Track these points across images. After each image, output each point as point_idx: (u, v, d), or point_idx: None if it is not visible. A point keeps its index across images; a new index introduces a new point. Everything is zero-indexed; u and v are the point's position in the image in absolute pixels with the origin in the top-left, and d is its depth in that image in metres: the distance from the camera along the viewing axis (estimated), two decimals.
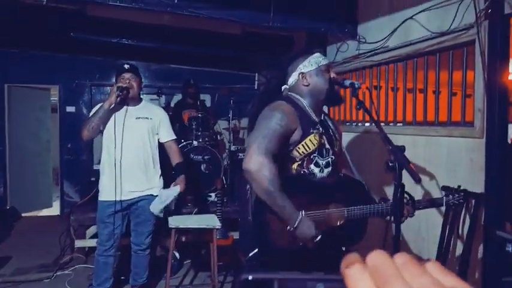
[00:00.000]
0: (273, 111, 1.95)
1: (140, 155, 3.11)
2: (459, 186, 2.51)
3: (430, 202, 2.21)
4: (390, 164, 1.61)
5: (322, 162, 2.03)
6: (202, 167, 5.08)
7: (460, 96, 3.01)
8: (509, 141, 5.59)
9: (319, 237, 1.85)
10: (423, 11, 3.11)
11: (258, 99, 2.21)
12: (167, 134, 3.31)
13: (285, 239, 1.90)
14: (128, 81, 3.03)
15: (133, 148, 3.06)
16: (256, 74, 7.31)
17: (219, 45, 5.58)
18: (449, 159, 2.95)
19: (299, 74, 2.09)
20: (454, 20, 2.80)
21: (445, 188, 2.85)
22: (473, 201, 2.66)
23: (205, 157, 5.10)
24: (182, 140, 5.41)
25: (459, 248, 2.81)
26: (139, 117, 3.11)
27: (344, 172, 2.22)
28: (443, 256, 2.80)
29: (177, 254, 4.12)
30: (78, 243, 4.48)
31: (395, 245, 1.65)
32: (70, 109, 6.65)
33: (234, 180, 5.02)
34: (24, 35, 5.52)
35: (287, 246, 1.90)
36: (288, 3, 3.84)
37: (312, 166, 2.01)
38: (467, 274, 2.64)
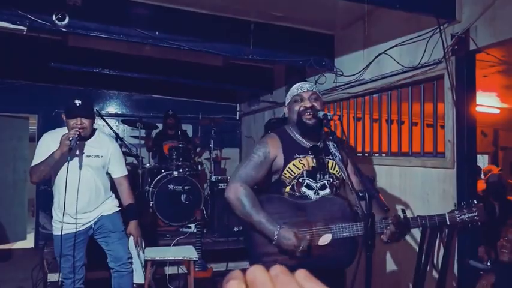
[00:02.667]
0: (256, 144, 2.22)
1: (92, 191, 3.04)
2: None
3: (429, 219, 2.04)
4: (360, 194, 1.64)
5: (315, 185, 2.11)
6: (182, 197, 5.04)
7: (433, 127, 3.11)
8: (482, 173, 5.74)
9: (301, 246, 1.87)
10: (395, 46, 3.24)
11: (266, 129, 2.37)
12: (118, 170, 3.19)
13: (275, 262, 1.90)
14: (79, 122, 2.85)
15: (83, 186, 2.98)
16: (238, 104, 7.40)
17: (201, 76, 5.67)
18: (423, 189, 3.01)
19: (284, 108, 2.30)
20: (423, 55, 2.92)
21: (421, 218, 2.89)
22: (446, 230, 2.71)
23: (186, 187, 5.07)
24: (162, 170, 5.39)
25: (435, 276, 2.83)
26: (89, 155, 3.00)
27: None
28: (420, 284, 2.81)
29: (153, 286, 4.02)
30: (52, 277, 4.33)
31: (367, 272, 1.66)
32: None
33: (214, 211, 4.98)
34: (3, 63, 5.51)
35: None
36: (267, 36, 3.95)
37: (304, 189, 2.10)
38: None
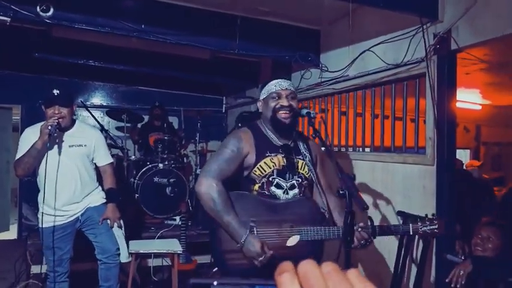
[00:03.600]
0: (228, 138, 2.20)
1: (77, 182, 3.04)
2: (430, 215, 2.51)
3: (394, 228, 2.22)
4: (341, 192, 1.69)
5: (285, 184, 2.12)
6: (167, 190, 5.04)
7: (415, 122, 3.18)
8: (465, 167, 5.86)
9: (264, 256, 1.90)
10: (379, 43, 3.28)
11: (236, 122, 2.35)
12: (103, 158, 3.22)
13: (238, 259, 1.98)
14: (57, 112, 2.89)
15: (68, 177, 2.99)
16: (224, 97, 7.40)
17: (187, 69, 5.64)
18: (404, 184, 3.08)
19: (258, 102, 2.25)
20: (406, 53, 2.98)
21: (400, 213, 2.97)
22: None
23: (171, 180, 5.08)
24: (148, 163, 5.39)
25: (413, 270, 2.91)
26: (72, 145, 3.01)
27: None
28: (398, 277, 2.89)
29: (137, 278, 4.05)
30: (35, 269, 4.32)
31: (346, 267, 1.71)
32: None
33: (198, 204, 5.00)
34: None
35: (239, 265, 1.98)
36: (254, 31, 3.96)
37: (273, 188, 2.11)
38: None
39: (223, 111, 7.37)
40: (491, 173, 7.27)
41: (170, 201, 5.00)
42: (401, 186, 3.11)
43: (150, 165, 5.30)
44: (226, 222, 1.96)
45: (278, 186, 2.11)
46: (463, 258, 2.60)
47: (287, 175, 2.13)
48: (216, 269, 2.03)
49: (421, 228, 2.04)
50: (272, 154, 2.12)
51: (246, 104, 6.38)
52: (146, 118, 6.28)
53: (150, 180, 5.03)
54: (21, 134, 6.35)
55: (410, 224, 2.07)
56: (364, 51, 3.45)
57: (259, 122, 2.25)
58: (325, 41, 4.17)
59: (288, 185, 2.13)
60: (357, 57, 3.55)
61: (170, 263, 3.86)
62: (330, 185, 2.25)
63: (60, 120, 2.86)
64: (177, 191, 5.07)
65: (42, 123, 2.88)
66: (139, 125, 6.38)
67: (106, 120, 6.64)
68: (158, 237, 4.36)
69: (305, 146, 2.19)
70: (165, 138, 5.35)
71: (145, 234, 4.45)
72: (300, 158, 2.18)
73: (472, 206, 3.88)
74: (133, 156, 5.57)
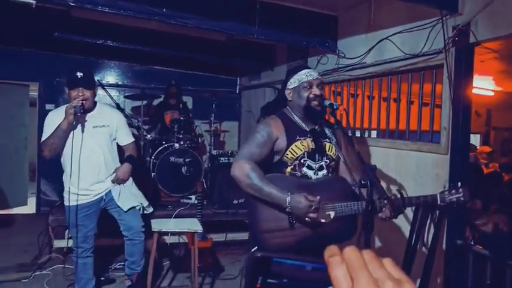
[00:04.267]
0: (259, 125, 2.35)
1: (101, 162, 3.17)
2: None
3: (423, 199, 2.23)
4: (363, 182, 1.80)
5: (315, 165, 2.25)
6: (183, 169, 5.19)
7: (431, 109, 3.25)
8: (476, 151, 5.92)
9: (313, 203, 2.00)
10: (398, 33, 3.33)
11: (262, 112, 2.46)
12: (125, 138, 3.34)
13: (277, 238, 2.12)
14: (81, 93, 2.98)
15: (92, 157, 3.11)
16: (238, 78, 7.46)
17: (203, 50, 5.70)
18: (417, 171, 3.18)
19: (287, 90, 2.34)
20: (425, 44, 3.03)
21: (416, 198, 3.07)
22: (437, 212, 2.90)
23: (186, 159, 5.22)
24: (163, 142, 5.52)
25: (424, 253, 3.04)
26: (96, 126, 3.12)
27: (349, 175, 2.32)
28: (409, 261, 3.02)
29: (156, 254, 4.22)
30: (57, 243, 4.50)
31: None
32: (49, 107, 6.60)
33: (214, 183, 5.15)
34: (5, 31, 5.50)
35: (279, 244, 2.12)
36: (272, 16, 4.00)
37: (305, 169, 2.24)
38: (430, 278, 2.87)
39: (237, 92, 7.45)
40: (501, 158, 7.33)
41: (186, 181, 5.15)
42: (414, 172, 3.21)
43: (166, 145, 5.44)
44: (267, 193, 2.06)
45: (309, 167, 2.24)
46: (472, 243, 2.72)
47: (316, 156, 2.26)
48: (256, 248, 2.16)
49: (447, 198, 2.12)
50: (301, 138, 2.25)
51: (260, 85, 6.45)
52: (161, 97, 6.40)
53: (166, 159, 5.17)
54: (38, 111, 6.59)
55: (438, 194, 2.16)
56: (382, 40, 3.50)
57: (285, 110, 2.37)
58: (343, 27, 4.20)
59: (317, 166, 2.26)
60: (375, 45, 3.61)
61: (186, 240, 4.01)
62: (356, 165, 2.31)
63: (83, 101, 2.95)
64: (193, 171, 5.21)
65: (66, 106, 2.99)
66: (154, 102, 6.50)
67: (121, 99, 6.76)
68: (175, 216, 4.52)
69: (330, 131, 2.31)
70: (181, 118, 5.46)
71: (162, 213, 4.61)
72: (327, 141, 2.30)
73: (480, 195, 3.98)
74: (149, 136, 5.70)
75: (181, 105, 5.93)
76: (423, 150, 3.14)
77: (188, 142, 5.43)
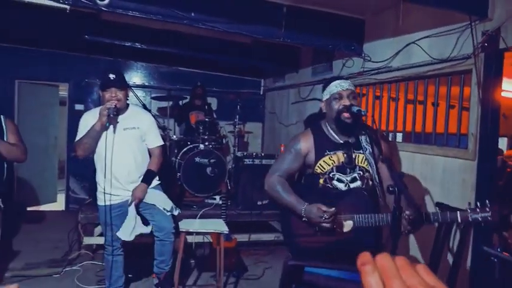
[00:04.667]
0: (290, 141, 2.46)
1: (132, 164, 3.25)
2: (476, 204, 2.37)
3: (441, 216, 2.17)
4: (391, 189, 1.82)
5: (345, 178, 2.31)
6: (208, 170, 5.27)
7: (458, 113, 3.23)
8: (503, 155, 5.81)
9: (326, 214, 2.07)
10: (426, 37, 3.32)
11: (305, 124, 2.55)
12: (154, 141, 3.39)
13: (306, 243, 2.25)
14: (114, 95, 3.07)
15: (123, 158, 3.18)
16: (262, 80, 7.51)
17: (229, 52, 5.76)
18: (444, 177, 3.17)
19: (321, 103, 2.43)
20: (454, 49, 3.01)
21: (439, 204, 3.07)
22: None
23: (211, 160, 5.30)
24: (189, 143, 5.62)
25: (449, 260, 3.03)
26: (126, 128, 3.19)
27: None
28: (433, 268, 3.01)
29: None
30: (86, 240, 4.63)
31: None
32: (79, 107, 6.83)
33: (238, 184, 5.22)
34: (37, 34, 5.69)
35: (310, 248, 2.23)
36: (299, 20, 4.04)
37: (335, 182, 2.32)
38: (456, 286, 2.86)
39: (261, 93, 7.50)
40: None
41: (210, 181, 5.23)
42: (440, 178, 3.20)
43: (191, 145, 5.54)
44: (287, 202, 2.24)
45: (339, 180, 2.31)
46: (499, 250, 2.70)
47: (347, 170, 2.31)
48: (289, 255, 2.28)
49: (472, 216, 2.04)
50: (331, 152, 2.31)
51: (284, 87, 6.49)
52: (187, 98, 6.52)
53: (191, 160, 5.27)
54: (68, 111, 6.78)
55: (458, 212, 2.08)
56: (409, 44, 3.50)
57: (322, 122, 2.43)
58: (369, 30, 4.21)
59: (349, 178, 2.31)
60: (402, 49, 3.60)
61: (211, 240, 4.09)
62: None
63: (116, 103, 3.05)
64: (217, 171, 5.29)
65: (99, 107, 3.09)
66: (180, 103, 6.61)
67: (147, 100, 6.91)
68: (200, 216, 4.60)
69: (367, 140, 2.29)
70: (206, 119, 5.55)
71: (187, 213, 4.69)
72: (359, 153, 2.32)
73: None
74: (174, 136, 5.80)
75: (206, 106, 6.03)
76: (450, 156, 3.13)
77: (213, 143, 5.51)
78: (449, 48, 3.07)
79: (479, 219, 2.02)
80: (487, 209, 2.02)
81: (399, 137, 4.13)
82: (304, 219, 2.17)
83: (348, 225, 2.15)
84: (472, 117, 2.92)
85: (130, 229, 3.23)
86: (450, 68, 3.11)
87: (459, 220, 2.08)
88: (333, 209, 2.09)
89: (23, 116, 6.66)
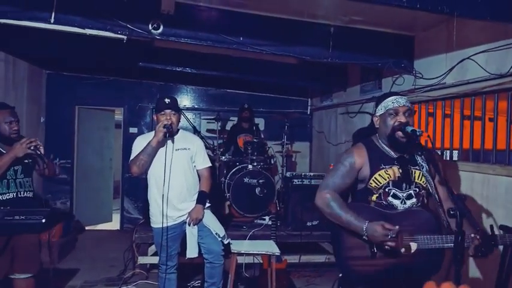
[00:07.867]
0: (343, 154, 2.36)
1: (184, 184, 3.33)
2: None
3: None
4: (451, 212, 1.74)
5: (401, 194, 2.21)
6: (257, 190, 5.30)
7: None
8: None
9: (390, 232, 1.97)
10: (482, 52, 3.19)
11: (354, 139, 2.42)
12: (202, 162, 3.48)
13: (360, 266, 2.13)
14: (169, 117, 3.20)
15: (177, 178, 3.27)
16: (309, 99, 7.51)
17: (274, 73, 5.81)
18: (507, 198, 2.99)
19: (374, 117, 2.33)
20: None
21: (503, 227, 2.90)
22: None
23: (260, 181, 5.32)
24: (237, 164, 5.69)
25: None
26: (178, 149, 3.30)
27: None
28: None
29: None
30: (141, 260, 4.76)
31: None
32: (133, 130, 7.13)
33: (288, 205, 5.19)
34: (95, 62, 6.03)
35: (364, 272, 2.13)
36: (346, 39, 4.02)
37: (390, 198, 2.21)
38: None
39: (308, 112, 7.50)
40: None
41: (259, 202, 5.24)
42: (503, 199, 3.02)
43: (239, 166, 5.61)
44: (346, 221, 2.11)
45: (395, 196, 2.20)
46: None
47: (403, 185, 2.21)
48: (341, 275, 2.18)
49: None
50: (386, 166, 2.21)
51: (332, 106, 6.44)
52: (234, 120, 6.62)
53: (240, 180, 5.32)
54: (123, 134, 7.09)
55: None
56: (464, 59, 3.38)
57: (374, 137, 2.34)
58: (420, 47, 4.11)
59: (405, 195, 2.21)
60: (456, 65, 3.49)
61: (261, 261, 4.07)
62: (447, 194, 2.22)
63: (171, 122, 3.18)
64: (266, 192, 5.30)
65: (152, 132, 3.23)
66: (227, 127, 6.74)
67: (197, 122, 7.09)
68: (250, 237, 4.61)
69: (422, 157, 2.22)
70: (255, 140, 5.61)
71: (237, 233, 4.71)
72: (416, 169, 2.23)
73: None
74: (223, 157, 5.90)
75: (253, 127, 6.09)
76: None
77: (261, 163, 5.54)
78: (507, 62, 2.93)
79: None
80: None
81: (455, 154, 3.96)
82: (364, 237, 2.06)
83: (412, 246, 2.05)
84: None
85: (194, 245, 3.33)
86: (510, 83, 2.97)
87: None
88: (397, 227, 2.00)
89: (82, 139, 7.05)
